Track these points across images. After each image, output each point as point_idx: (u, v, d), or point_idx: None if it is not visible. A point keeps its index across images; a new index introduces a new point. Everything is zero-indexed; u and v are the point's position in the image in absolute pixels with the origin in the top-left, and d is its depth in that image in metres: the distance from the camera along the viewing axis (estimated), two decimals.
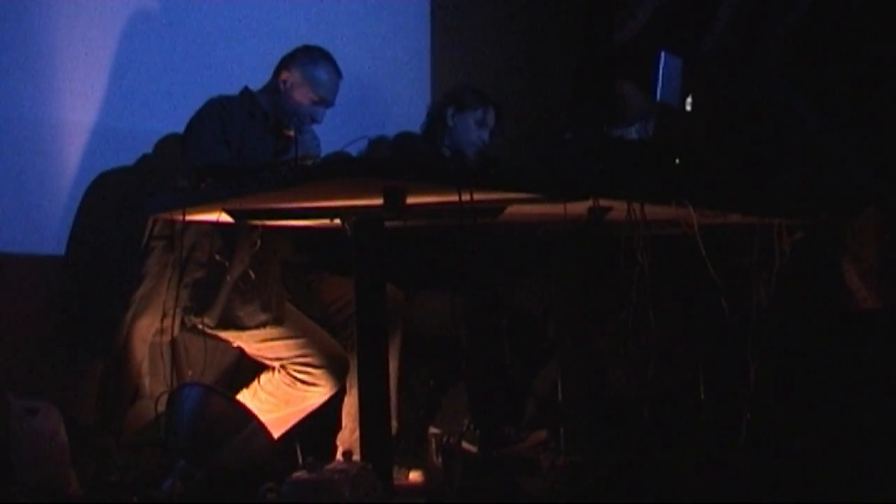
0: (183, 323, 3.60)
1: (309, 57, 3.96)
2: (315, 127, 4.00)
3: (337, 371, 3.70)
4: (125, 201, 3.98)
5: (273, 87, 3.96)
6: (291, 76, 3.94)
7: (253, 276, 3.58)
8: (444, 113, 4.37)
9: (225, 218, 3.39)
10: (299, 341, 3.69)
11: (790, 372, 3.99)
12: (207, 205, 3.30)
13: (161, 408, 3.36)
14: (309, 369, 3.68)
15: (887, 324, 4.16)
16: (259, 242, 3.58)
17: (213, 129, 3.76)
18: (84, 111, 4.07)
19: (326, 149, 3.92)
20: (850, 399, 3.95)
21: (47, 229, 3.97)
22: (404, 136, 4.37)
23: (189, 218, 3.35)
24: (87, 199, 4.03)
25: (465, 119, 4.36)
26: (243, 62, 4.29)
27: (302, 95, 3.92)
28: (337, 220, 3.31)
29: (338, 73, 3.99)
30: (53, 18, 4.00)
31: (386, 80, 5.01)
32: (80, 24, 4.06)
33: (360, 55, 4.85)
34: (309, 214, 3.39)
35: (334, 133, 3.95)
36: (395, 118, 4.71)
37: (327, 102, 3.97)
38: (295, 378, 3.69)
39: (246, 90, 3.96)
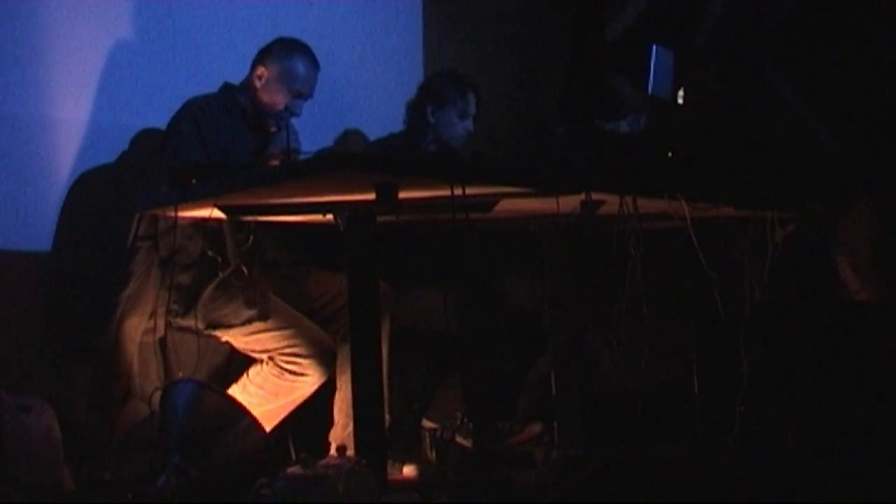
0: (170, 323, 3.60)
1: (285, 50, 3.93)
2: (307, 120, 3.99)
3: (325, 360, 3.70)
4: (113, 198, 3.97)
5: (250, 81, 3.93)
6: (268, 70, 3.91)
7: (246, 272, 3.58)
8: (424, 111, 4.33)
9: (217, 214, 3.38)
10: (286, 332, 3.68)
11: (783, 365, 3.99)
12: (199, 201, 3.30)
13: (154, 405, 3.35)
14: (297, 359, 3.67)
15: (880, 316, 4.16)
16: (251, 238, 3.57)
17: (189, 131, 3.74)
18: (74, 108, 4.06)
19: (320, 143, 3.91)
20: (843, 392, 3.95)
21: (38, 226, 3.96)
22: (381, 143, 4.34)
23: (181, 215, 3.35)
24: (74, 195, 4.02)
25: (447, 114, 4.33)
26: (233, 57, 4.27)
27: (279, 89, 3.89)
28: (329, 216, 3.31)
29: (315, 65, 3.95)
30: (43, 16, 3.99)
31: (378, 73, 5.00)
32: (70, 22, 4.05)
33: (351, 48, 4.85)
34: (301, 210, 3.38)
35: (325, 127, 3.94)
36: (388, 112, 4.70)
37: (305, 95, 3.94)
38: (283, 369, 3.67)
39: (226, 85, 3.94)
